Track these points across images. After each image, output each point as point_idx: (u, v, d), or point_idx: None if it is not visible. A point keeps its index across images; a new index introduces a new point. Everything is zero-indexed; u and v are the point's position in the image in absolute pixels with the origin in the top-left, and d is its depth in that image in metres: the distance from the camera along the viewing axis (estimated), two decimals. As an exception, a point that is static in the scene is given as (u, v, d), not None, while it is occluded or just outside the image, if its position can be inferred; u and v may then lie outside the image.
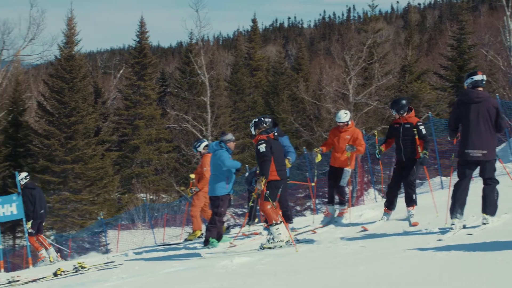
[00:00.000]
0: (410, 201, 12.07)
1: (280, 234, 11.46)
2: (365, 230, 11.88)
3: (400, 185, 12.31)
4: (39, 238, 19.42)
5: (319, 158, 13.74)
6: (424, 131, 12.02)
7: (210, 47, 64.00)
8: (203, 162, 16.08)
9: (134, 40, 58.20)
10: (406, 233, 10.80)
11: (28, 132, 47.03)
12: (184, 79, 56.63)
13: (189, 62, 54.91)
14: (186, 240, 17.12)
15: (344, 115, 13.37)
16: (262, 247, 11.55)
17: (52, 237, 40.54)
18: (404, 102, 12.23)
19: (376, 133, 13.60)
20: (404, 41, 60.05)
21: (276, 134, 11.95)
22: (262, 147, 11.45)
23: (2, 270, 18.97)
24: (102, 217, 32.39)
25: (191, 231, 17.30)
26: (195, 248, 13.95)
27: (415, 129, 11.95)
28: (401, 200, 12.46)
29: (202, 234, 16.34)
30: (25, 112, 51.79)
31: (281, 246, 11.38)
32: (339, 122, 13.35)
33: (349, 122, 13.37)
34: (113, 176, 45.90)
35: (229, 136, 13.62)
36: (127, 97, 55.63)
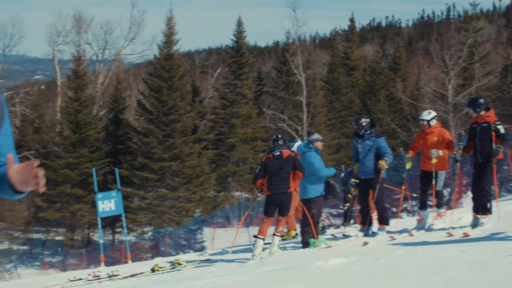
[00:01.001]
0: (484, 209, 11.67)
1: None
2: (467, 236, 11.51)
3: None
4: None
5: (410, 165, 13.47)
6: (502, 130, 11.55)
7: (306, 47, 63.92)
8: None
9: (232, 40, 58.72)
10: (507, 238, 10.42)
11: (127, 129, 48.14)
12: (281, 78, 56.72)
13: (286, 62, 55.02)
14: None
15: (426, 113, 13.11)
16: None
17: (149, 233, 41.44)
18: (481, 100, 11.85)
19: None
20: (507, 40, 58.40)
21: (276, 154, 12.60)
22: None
23: (103, 264, 19.49)
24: (198, 214, 32.73)
25: (285, 230, 17.27)
26: (292, 248, 13.91)
27: (493, 127, 11.55)
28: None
29: (297, 234, 16.29)
30: (125, 110, 53.05)
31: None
32: (421, 120, 13.10)
33: (433, 122, 13.04)
34: (209, 174, 46.40)
35: (316, 135, 13.53)
36: (224, 96, 56.15)
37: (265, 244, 13.16)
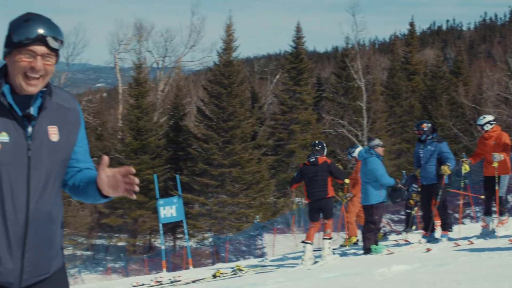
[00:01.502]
0: None
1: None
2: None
3: None
4: None
5: (466, 168, 13.28)
6: None
7: (366, 52, 63.56)
8: (358, 168, 15.90)
9: (290, 45, 58.70)
10: None
11: (188, 136, 48.56)
12: (340, 83, 56.42)
13: (345, 67, 54.75)
14: (341, 246, 17.00)
15: (481, 118, 13.07)
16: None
17: (210, 239, 41.66)
18: None
19: None
20: None
21: (311, 160, 13.31)
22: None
23: (165, 269, 19.66)
24: (258, 220, 32.77)
25: (346, 236, 17.17)
26: (354, 254, 13.83)
27: None
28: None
29: (358, 240, 16.17)
30: (185, 117, 53.53)
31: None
32: (477, 125, 13.05)
33: (487, 127, 12.85)
34: (269, 180, 46.45)
35: (377, 141, 13.53)
36: (283, 102, 56.15)
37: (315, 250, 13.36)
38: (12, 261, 3.18)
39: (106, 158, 3.27)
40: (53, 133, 3.30)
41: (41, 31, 3.15)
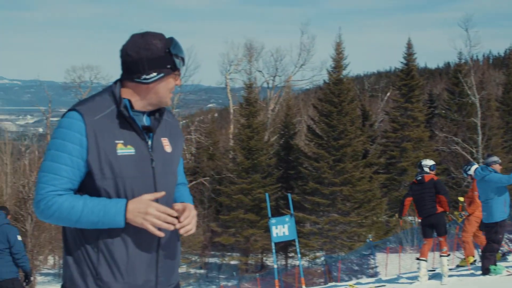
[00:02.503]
0: None
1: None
2: None
3: None
4: None
5: None
6: None
7: (480, 67, 62.00)
8: (474, 186, 15.47)
9: (401, 62, 57.94)
10: None
11: (298, 155, 48.66)
12: (453, 100, 55.24)
13: (458, 83, 53.61)
14: (457, 266, 16.59)
15: None
16: None
17: (322, 258, 41.51)
18: None
19: None
20: None
21: (418, 179, 13.44)
22: None
23: (277, 288, 19.70)
24: (370, 239, 32.42)
25: (462, 256, 16.71)
26: (471, 274, 13.47)
27: None
28: None
29: (475, 260, 15.73)
30: (296, 136, 53.73)
31: None
32: None
33: None
34: (380, 198, 45.90)
35: (494, 158, 13.22)
36: (395, 119, 55.42)
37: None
38: (150, 272, 3.32)
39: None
40: (166, 145, 3.42)
41: (183, 53, 3.41)
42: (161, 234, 3.16)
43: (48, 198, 3.17)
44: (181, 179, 3.71)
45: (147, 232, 3.19)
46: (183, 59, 3.39)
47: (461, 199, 16.04)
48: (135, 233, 3.23)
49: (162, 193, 3.23)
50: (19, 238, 11.26)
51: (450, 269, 14.83)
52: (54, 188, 3.18)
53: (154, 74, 3.32)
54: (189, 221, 3.26)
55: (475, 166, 15.52)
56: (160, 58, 3.30)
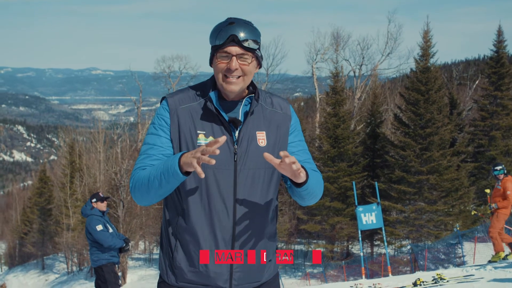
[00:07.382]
0: None
1: None
2: None
3: None
4: None
5: None
6: None
7: None
8: (505, 184, 15.67)
9: (491, 50, 56.85)
10: None
11: (384, 143, 48.55)
12: (545, 87, 54.01)
13: (551, 70, 52.39)
14: (489, 262, 16.72)
15: None
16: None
17: (408, 247, 41.48)
18: None
19: None
20: None
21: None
22: None
23: (364, 276, 20.08)
24: (457, 228, 32.25)
25: (493, 252, 16.80)
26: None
27: None
28: None
29: (506, 255, 15.81)
30: (382, 124, 53.52)
31: None
32: None
33: None
34: (468, 187, 45.37)
35: None
36: (483, 107, 54.53)
37: None
38: (223, 266, 3.41)
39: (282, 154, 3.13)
40: (261, 138, 3.42)
41: (233, 32, 3.28)
42: (212, 161, 3.00)
43: (134, 174, 3.50)
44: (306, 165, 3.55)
45: (218, 216, 3.35)
46: (234, 39, 3.29)
47: (487, 191, 16.13)
48: (211, 224, 3.36)
49: (223, 138, 3.02)
50: (99, 228, 11.67)
51: (479, 265, 14.99)
52: (141, 165, 3.48)
53: (210, 56, 3.45)
54: (292, 159, 3.12)
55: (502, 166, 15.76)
56: (210, 39, 3.39)
